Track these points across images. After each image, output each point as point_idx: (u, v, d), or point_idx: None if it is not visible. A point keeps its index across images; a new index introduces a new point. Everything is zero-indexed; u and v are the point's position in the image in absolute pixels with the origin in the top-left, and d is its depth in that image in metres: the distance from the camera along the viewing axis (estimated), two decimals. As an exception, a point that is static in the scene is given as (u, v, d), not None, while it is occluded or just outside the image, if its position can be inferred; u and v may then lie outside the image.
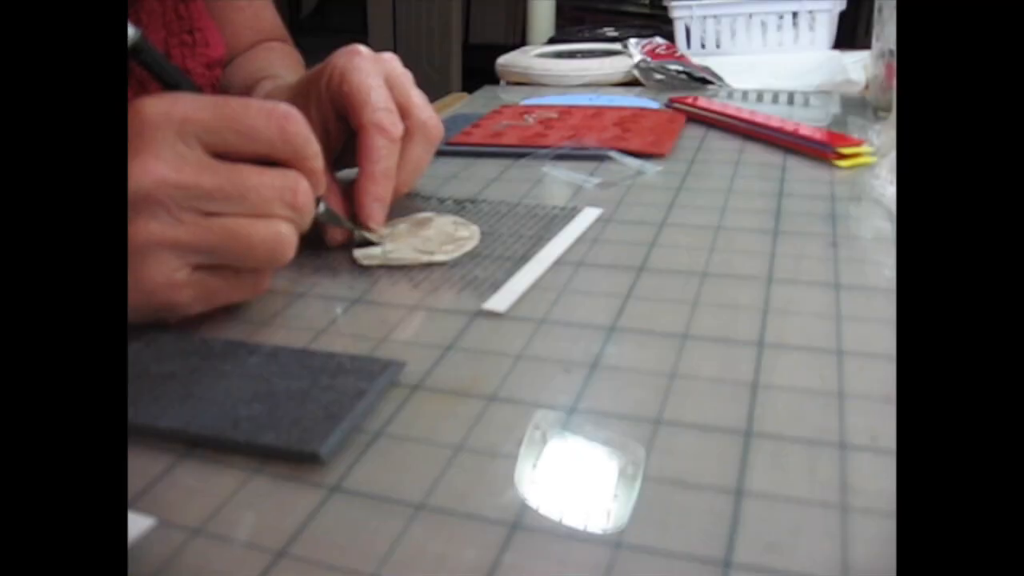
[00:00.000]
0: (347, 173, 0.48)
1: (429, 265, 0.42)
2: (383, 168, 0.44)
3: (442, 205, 0.50)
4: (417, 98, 0.47)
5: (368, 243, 0.44)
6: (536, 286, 0.39)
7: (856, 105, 0.73)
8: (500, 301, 0.37)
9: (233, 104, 0.34)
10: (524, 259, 0.42)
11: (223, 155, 0.34)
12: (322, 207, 0.41)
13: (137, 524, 0.24)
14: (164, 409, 0.29)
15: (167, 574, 0.23)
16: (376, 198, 0.44)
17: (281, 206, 0.35)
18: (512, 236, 0.45)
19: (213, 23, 0.59)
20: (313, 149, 0.36)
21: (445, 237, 0.44)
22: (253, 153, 0.34)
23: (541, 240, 0.44)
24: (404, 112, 0.45)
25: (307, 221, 0.36)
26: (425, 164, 0.48)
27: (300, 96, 0.46)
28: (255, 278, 0.37)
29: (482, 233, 0.45)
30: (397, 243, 0.44)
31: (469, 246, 0.44)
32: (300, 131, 0.35)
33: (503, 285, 0.39)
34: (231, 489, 0.26)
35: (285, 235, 0.35)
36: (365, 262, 0.42)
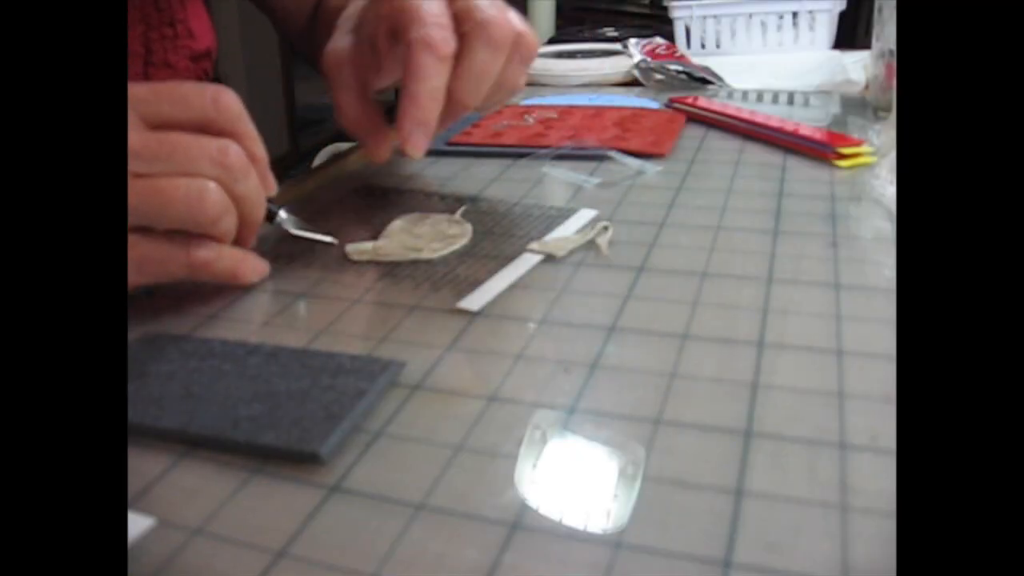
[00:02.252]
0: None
1: (416, 262, 0.42)
2: (428, 88, 0.40)
3: (442, 203, 0.50)
4: (481, 1, 0.41)
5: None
6: (534, 286, 0.39)
7: (856, 105, 0.73)
8: (474, 300, 0.37)
9: (169, 82, 0.36)
10: (510, 259, 0.42)
11: (164, 128, 0.35)
12: (284, 215, 0.41)
13: (137, 524, 0.24)
14: (164, 409, 0.29)
15: (167, 574, 0.23)
16: (417, 122, 0.40)
17: (210, 165, 0.35)
18: (504, 235, 0.45)
19: (203, 13, 0.59)
20: (247, 128, 0.37)
21: (436, 235, 0.44)
22: (189, 122, 0.35)
23: (532, 240, 0.44)
24: (463, 18, 0.41)
25: (243, 187, 0.36)
26: (492, 71, 0.42)
27: (361, 19, 0.45)
28: (188, 247, 0.36)
29: (476, 232, 0.45)
30: (390, 240, 0.44)
31: (458, 244, 0.44)
32: (232, 105, 0.36)
33: (482, 284, 0.39)
34: (231, 489, 0.26)
35: (208, 191, 0.35)
36: (355, 257, 0.43)
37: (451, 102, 0.42)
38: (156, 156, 0.34)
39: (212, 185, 0.35)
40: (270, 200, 0.40)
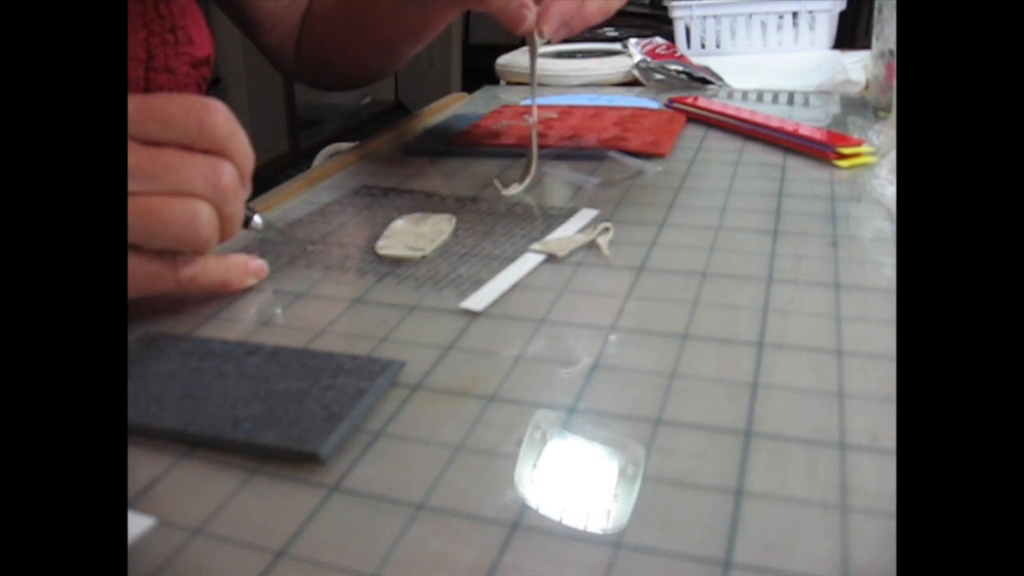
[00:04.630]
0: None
1: (418, 262, 0.42)
2: None
3: (442, 203, 0.50)
4: None
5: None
6: (534, 286, 0.39)
7: (856, 105, 0.73)
8: (478, 300, 0.37)
9: (159, 97, 0.35)
10: (511, 259, 0.42)
11: (154, 146, 0.34)
12: (259, 220, 0.40)
13: (137, 524, 0.24)
14: (164, 409, 0.29)
15: (167, 574, 0.23)
16: (560, 12, 0.49)
17: (203, 185, 0.35)
18: (505, 235, 0.45)
19: (202, 21, 0.59)
20: (236, 145, 0.36)
21: (437, 234, 0.45)
22: (177, 142, 0.34)
23: (534, 240, 0.44)
24: None
25: (232, 208, 0.36)
26: (616, 6, 0.52)
27: None
28: (176, 263, 0.36)
29: (477, 232, 0.45)
30: (391, 239, 0.44)
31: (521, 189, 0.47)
32: (219, 122, 0.35)
33: (485, 284, 0.39)
34: (231, 489, 0.26)
35: (202, 214, 0.35)
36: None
37: (580, 14, 0.50)
38: (149, 175, 0.34)
39: (205, 207, 0.35)
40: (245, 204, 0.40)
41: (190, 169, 0.34)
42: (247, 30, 0.67)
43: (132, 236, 0.34)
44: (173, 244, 0.35)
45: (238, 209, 0.37)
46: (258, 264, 0.40)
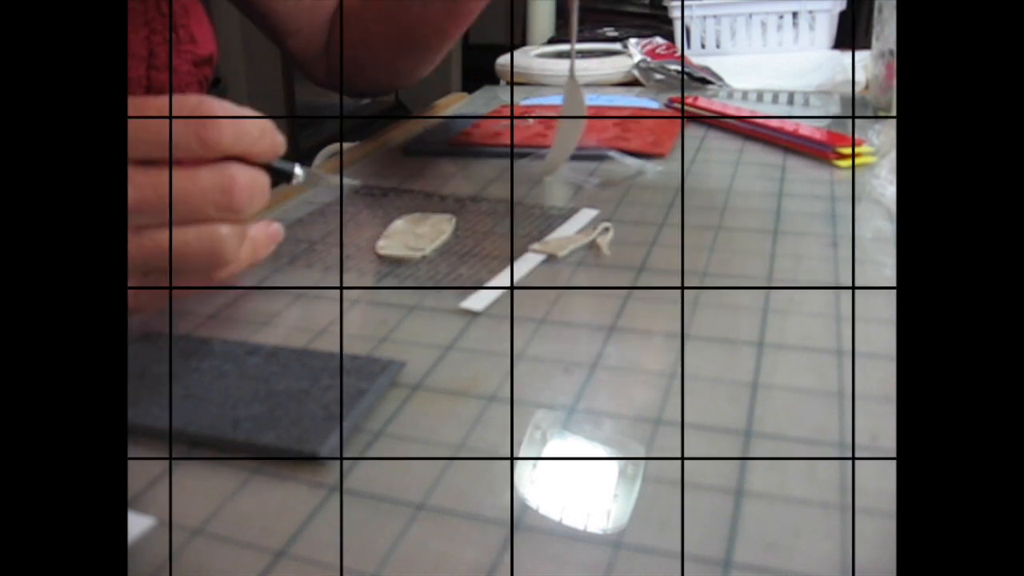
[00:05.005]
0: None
1: (418, 262, 0.42)
2: None
3: (442, 203, 0.50)
4: None
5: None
6: (535, 285, 0.39)
7: (856, 105, 0.73)
8: (477, 300, 0.37)
9: (149, 109, 0.32)
10: (512, 259, 0.42)
11: (152, 163, 0.32)
12: (300, 171, 0.39)
13: (137, 524, 0.24)
14: (164, 409, 0.29)
15: (167, 574, 0.23)
16: None
17: (215, 208, 0.33)
18: (505, 235, 0.45)
19: (205, 20, 0.59)
20: (246, 143, 0.34)
21: (437, 234, 0.45)
22: (179, 160, 0.33)
23: (533, 240, 0.44)
24: None
25: (254, 207, 0.35)
26: None
27: None
28: (204, 275, 0.36)
29: (477, 232, 0.45)
30: (391, 239, 0.44)
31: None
32: (222, 135, 0.33)
33: (484, 284, 0.39)
34: (231, 489, 0.26)
35: (222, 237, 0.34)
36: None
37: None
38: (156, 209, 0.32)
39: (223, 230, 0.34)
40: (284, 157, 0.38)
41: (197, 197, 0.33)
42: (271, 34, 0.65)
43: (157, 267, 0.33)
44: (201, 270, 0.35)
45: (258, 206, 0.35)
46: (275, 228, 0.39)
